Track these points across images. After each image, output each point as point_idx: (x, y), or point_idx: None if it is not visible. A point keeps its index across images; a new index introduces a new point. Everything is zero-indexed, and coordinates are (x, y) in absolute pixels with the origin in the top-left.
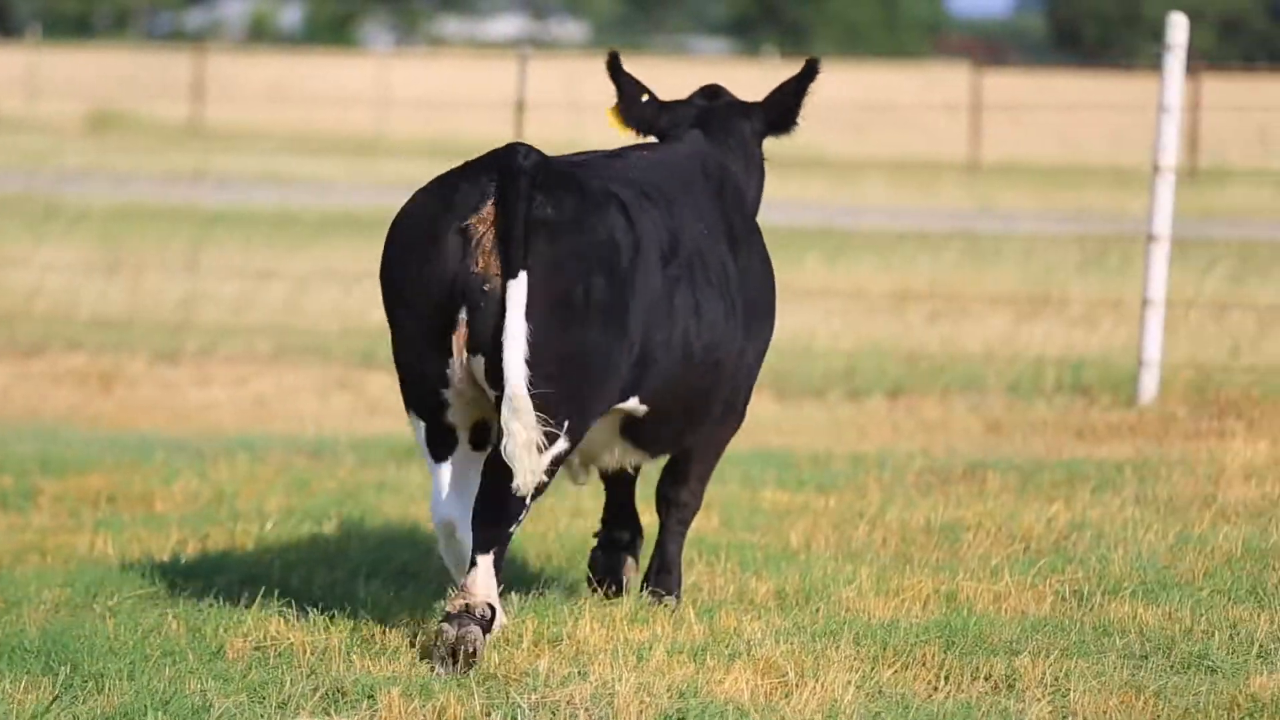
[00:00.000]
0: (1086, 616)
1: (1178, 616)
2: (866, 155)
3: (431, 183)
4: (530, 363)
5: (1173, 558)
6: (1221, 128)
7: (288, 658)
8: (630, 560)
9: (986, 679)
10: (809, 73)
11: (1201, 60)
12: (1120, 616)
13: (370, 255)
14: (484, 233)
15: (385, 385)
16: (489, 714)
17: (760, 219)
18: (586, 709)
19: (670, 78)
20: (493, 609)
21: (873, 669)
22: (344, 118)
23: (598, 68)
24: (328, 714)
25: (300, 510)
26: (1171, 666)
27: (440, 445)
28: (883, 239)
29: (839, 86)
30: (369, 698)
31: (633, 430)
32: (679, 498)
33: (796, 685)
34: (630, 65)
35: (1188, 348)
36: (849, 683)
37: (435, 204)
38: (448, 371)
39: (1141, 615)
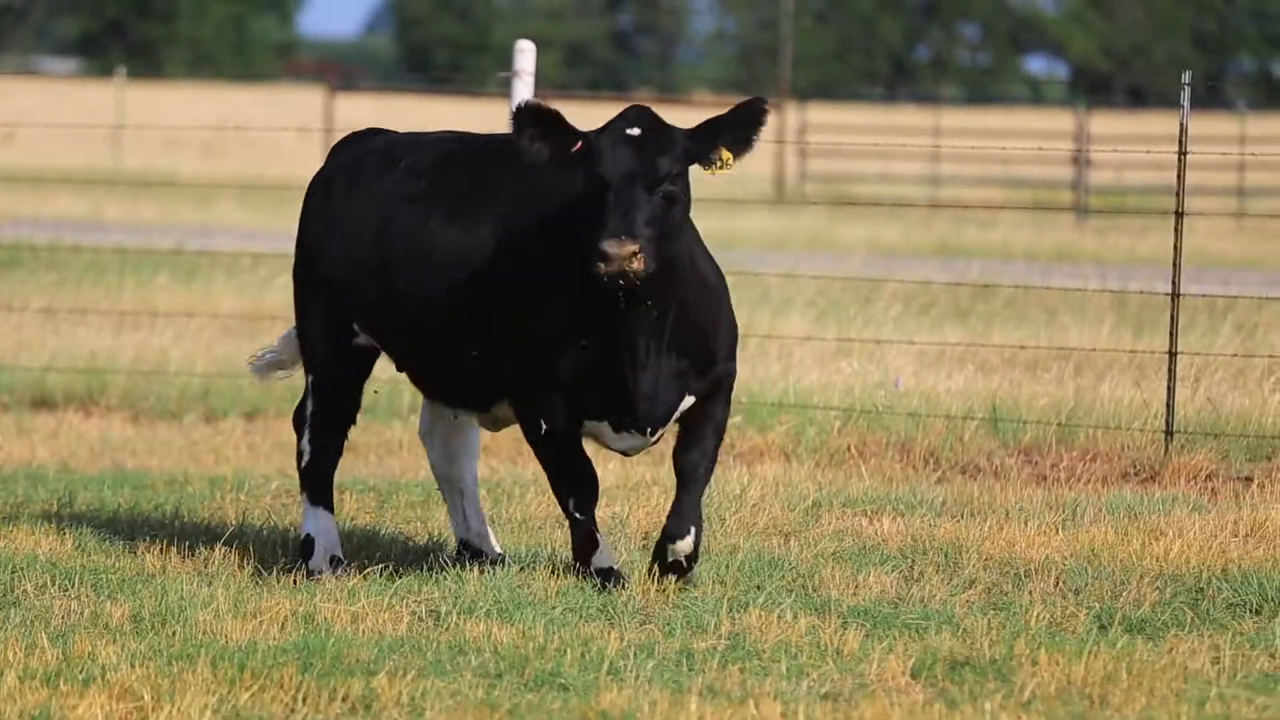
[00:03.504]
0: (443, 636)
1: (531, 635)
2: (219, 176)
3: None
4: None
5: (526, 577)
6: None
7: None
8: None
9: (344, 700)
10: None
11: (549, 86)
12: (476, 635)
13: None
14: None
15: None
16: None
17: (108, 239)
18: None
19: (21, 98)
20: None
21: (230, 691)
22: None
23: None
24: None
25: None
26: (525, 684)
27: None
28: (235, 261)
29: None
30: None
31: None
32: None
33: (153, 709)
34: None
35: None
36: (206, 706)
37: None
38: None
39: (496, 634)
